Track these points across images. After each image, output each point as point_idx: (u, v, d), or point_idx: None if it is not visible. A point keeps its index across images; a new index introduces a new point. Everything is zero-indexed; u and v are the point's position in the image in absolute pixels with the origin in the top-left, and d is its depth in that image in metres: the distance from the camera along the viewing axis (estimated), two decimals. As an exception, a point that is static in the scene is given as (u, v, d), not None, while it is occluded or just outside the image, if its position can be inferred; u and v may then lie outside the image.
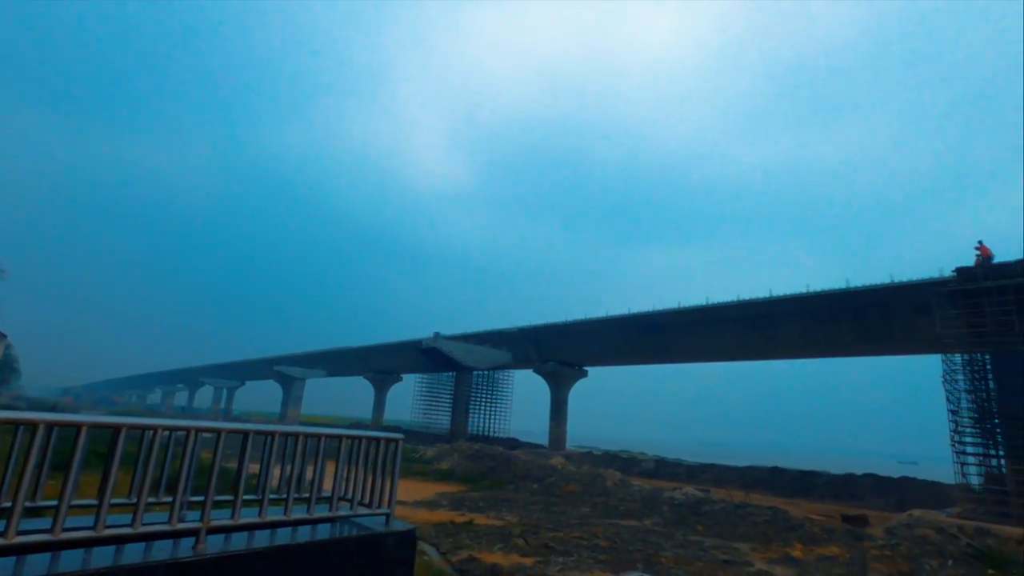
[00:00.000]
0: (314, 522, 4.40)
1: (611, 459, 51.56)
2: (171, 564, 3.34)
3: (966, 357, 26.15)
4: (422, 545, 17.08)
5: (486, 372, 67.30)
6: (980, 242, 27.87)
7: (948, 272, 28.74)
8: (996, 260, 26.66)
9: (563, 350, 62.10)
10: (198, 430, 3.73)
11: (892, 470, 46.39)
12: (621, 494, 29.05)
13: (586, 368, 65.43)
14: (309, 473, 4.50)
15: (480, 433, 64.14)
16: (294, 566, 3.94)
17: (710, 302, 46.37)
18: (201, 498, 3.71)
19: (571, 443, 68.89)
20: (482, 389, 66.90)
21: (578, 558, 16.17)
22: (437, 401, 68.36)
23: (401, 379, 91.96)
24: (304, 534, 4.22)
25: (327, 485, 4.66)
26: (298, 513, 4.27)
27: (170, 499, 3.66)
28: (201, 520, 3.62)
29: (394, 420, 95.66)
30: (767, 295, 43.00)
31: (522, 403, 71.10)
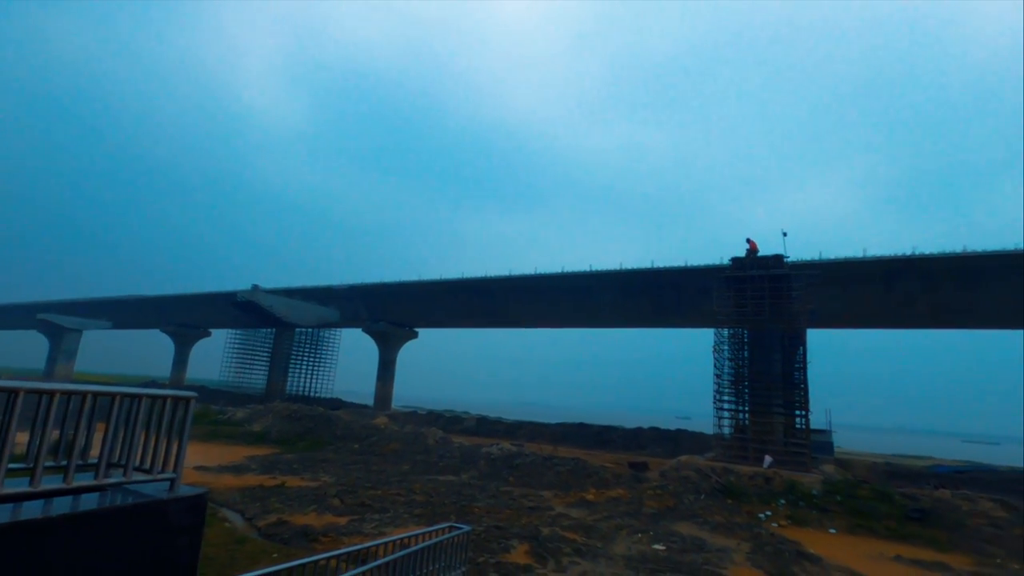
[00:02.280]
0: (75, 492, 3.79)
1: (435, 418, 52.96)
2: None
3: (731, 331, 31.74)
4: (224, 511, 15.91)
5: (311, 330, 63.68)
6: (748, 239, 33.68)
7: (726, 261, 34.26)
8: (760, 254, 32.54)
9: (395, 310, 61.21)
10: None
11: (671, 424, 55.22)
12: (441, 451, 30.11)
13: (417, 329, 65.46)
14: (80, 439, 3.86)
15: (300, 393, 60.87)
16: (49, 542, 3.35)
17: (537, 271, 49.13)
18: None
19: (398, 403, 69.03)
20: (305, 347, 63.19)
21: (394, 514, 16.48)
22: (253, 359, 62.94)
23: (210, 334, 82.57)
24: (62, 506, 3.61)
25: (95, 451, 4.05)
26: (52, 483, 3.65)
27: None
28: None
29: (200, 379, 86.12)
30: (587, 269, 46.88)
31: (350, 363, 68.99)
